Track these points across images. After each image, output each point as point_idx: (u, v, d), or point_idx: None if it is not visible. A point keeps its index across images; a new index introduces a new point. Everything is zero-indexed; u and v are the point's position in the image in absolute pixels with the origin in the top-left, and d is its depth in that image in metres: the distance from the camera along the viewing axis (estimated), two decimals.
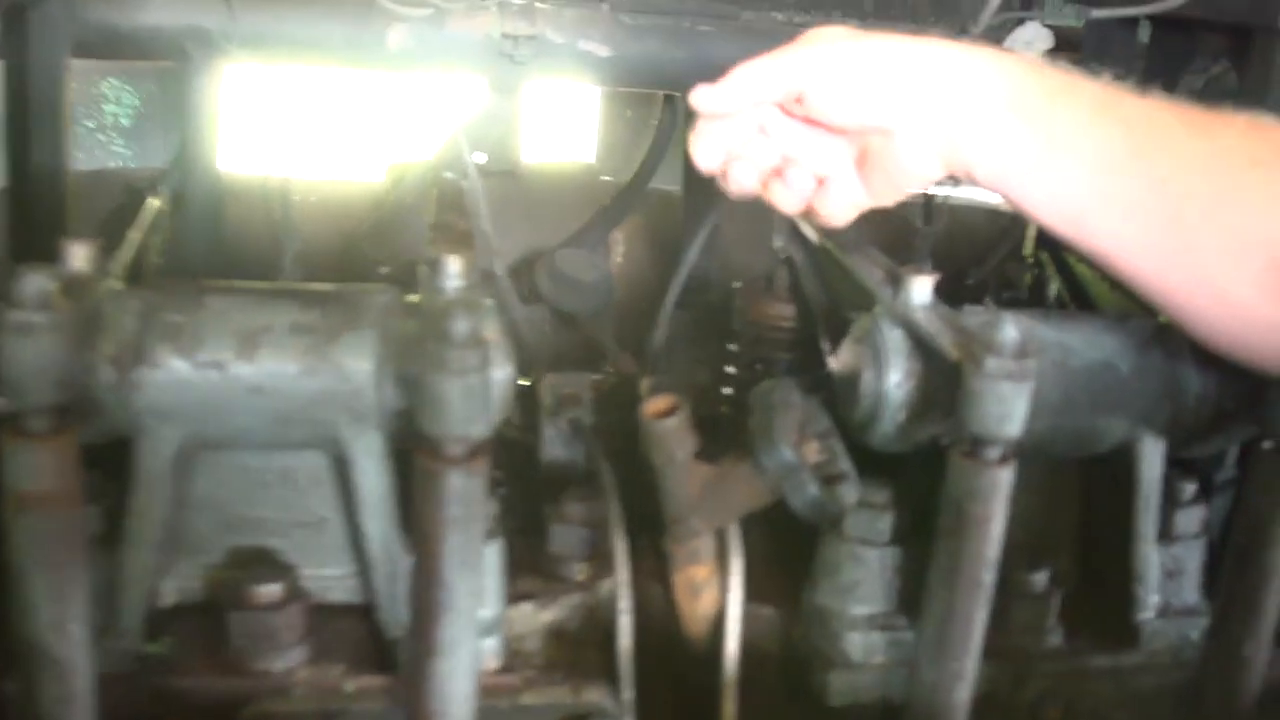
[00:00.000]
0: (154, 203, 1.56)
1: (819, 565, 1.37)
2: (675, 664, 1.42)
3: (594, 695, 1.24)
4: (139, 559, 1.17)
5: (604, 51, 1.73)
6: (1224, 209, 1.12)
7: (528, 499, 1.48)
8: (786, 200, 1.27)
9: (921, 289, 1.28)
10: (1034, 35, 1.77)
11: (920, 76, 1.19)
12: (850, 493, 1.29)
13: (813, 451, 1.28)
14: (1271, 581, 1.26)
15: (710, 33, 1.77)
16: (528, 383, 1.57)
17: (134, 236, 1.40)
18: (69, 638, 1.04)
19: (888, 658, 1.34)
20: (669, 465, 1.32)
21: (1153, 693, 1.39)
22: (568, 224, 1.97)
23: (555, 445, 1.54)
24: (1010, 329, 1.09)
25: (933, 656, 1.18)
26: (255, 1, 1.64)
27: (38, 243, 1.53)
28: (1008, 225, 1.99)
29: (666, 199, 2.06)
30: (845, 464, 1.30)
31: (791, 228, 1.61)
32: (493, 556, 1.23)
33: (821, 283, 1.58)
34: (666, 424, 1.30)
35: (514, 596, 1.30)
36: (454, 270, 1.19)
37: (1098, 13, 1.80)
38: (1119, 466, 1.38)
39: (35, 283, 1.01)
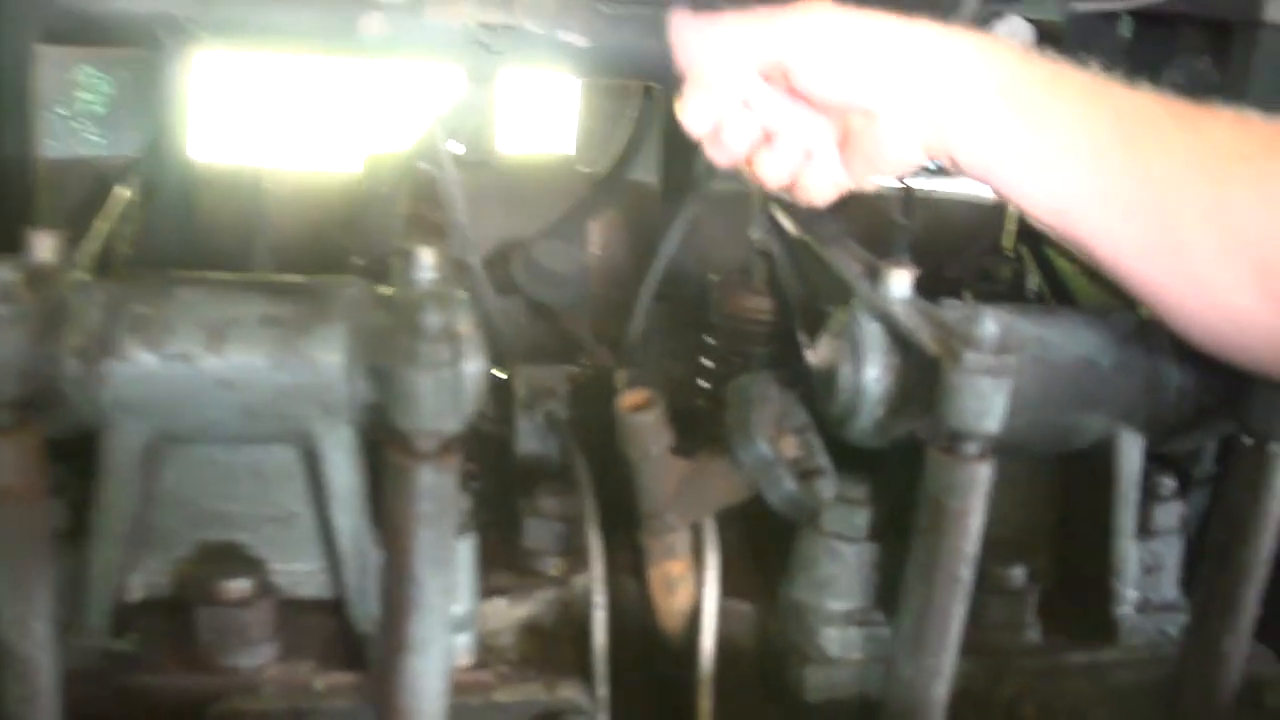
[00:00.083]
0: (123, 192, 1.54)
1: (795, 560, 1.36)
2: (651, 660, 1.42)
3: (568, 692, 1.23)
4: (105, 554, 1.15)
5: (582, 41, 1.71)
6: (1213, 205, 1.11)
7: (502, 492, 1.46)
8: (771, 172, 1.26)
9: (900, 283, 1.26)
10: (1015, 28, 1.76)
11: (906, 58, 1.18)
12: (827, 488, 1.28)
13: (790, 446, 1.27)
14: (1251, 577, 1.26)
15: None
16: (503, 375, 1.55)
17: (101, 227, 1.38)
18: (32, 635, 1.03)
19: (864, 653, 1.33)
20: (644, 460, 1.30)
21: (1131, 689, 1.39)
22: (544, 215, 1.95)
23: (530, 438, 1.52)
24: (989, 324, 1.08)
25: (910, 653, 1.17)
26: None
27: (4, 233, 1.51)
28: (986, 219, 1.98)
29: (643, 191, 2.04)
30: (822, 459, 1.29)
31: (769, 220, 1.60)
32: (466, 551, 1.22)
33: (799, 276, 1.56)
34: (642, 418, 1.29)
35: (487, 591, 1.29)
36: (426, 262, 1.17)
37: (1079, 6, 1.79)
38: (1097, 462, 1.37)
39: None
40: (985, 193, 1.33)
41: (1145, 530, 1.40)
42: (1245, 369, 1.20)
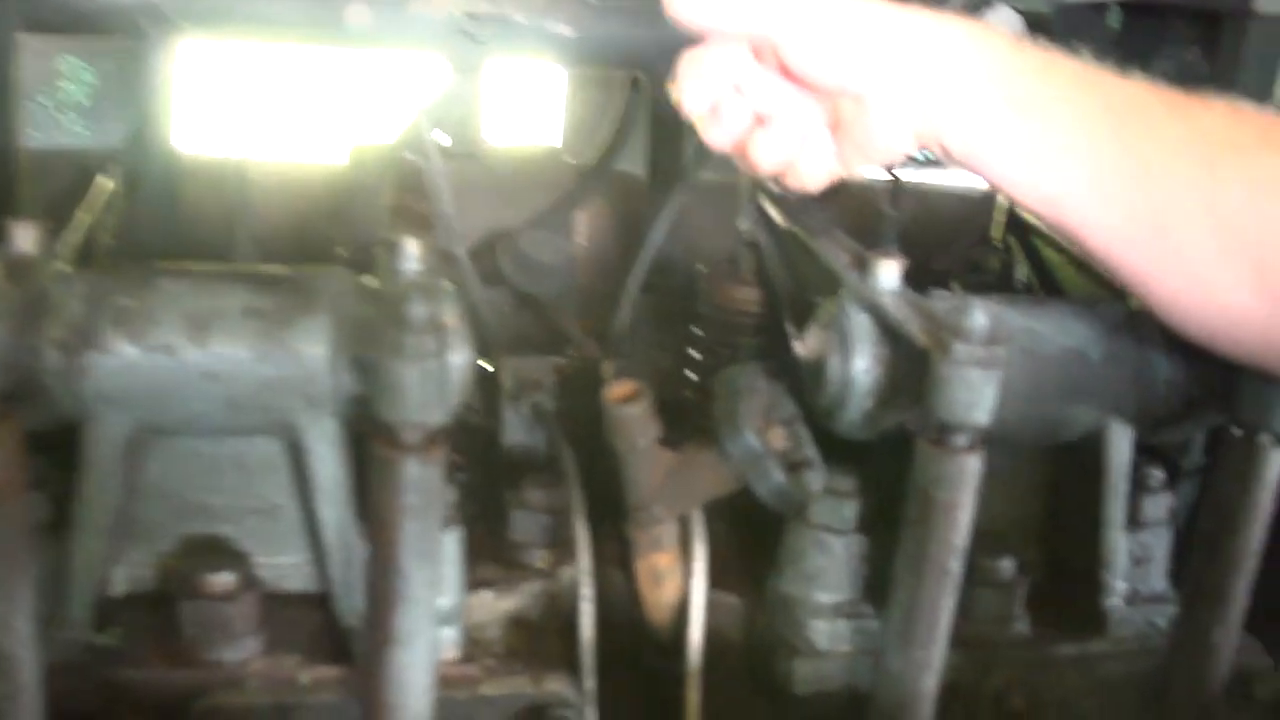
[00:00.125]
0: (106, 183, 1.53)
1: (783, 553, 1.36)
2: (638, 652, 1.41)
3: (555, 685, 1.22)
4: (88, 547, 1.14)
5: (569, 31, 1.70)
6: (1205, 196, 1.11)
7: (488, 484, 1.46)
8: (765, 156, 1.24)
9: (889, 273, 1.26)
10: (1004, 19, 1.76)
11: (898, 44, 1.17)
12: (815, 480, 1.28)
13: (778, 438, 1.26)
14: (1240, 569, 1.26)
15: None
16: (489, 367, 1.55)
17: (84, 218, 1.36)
18: (13, 631, 1.02)
19: (853, 646, 1.32)
20: (631, 452, 1.30)
21: (1119, 680, 1.38)
22: (531, 206, 1.94)
23: (516, 430, 1.52)
24: (979, 315, 1.07)
25: (899, 646, 1.16)
26: None
27: None
28: (974, 210, 1.97)
29: (630, 182, 2.03)
30: (810, 450, 1.28)
31: (757, 211, 1.59)
32: (452, 544, 1.21)
33: (787, 266, 1.55)
34: (629, 410, 1.28)
35: (473, 584, 1.28)
36: (411, 253, 1.16)
37: None
38: (1086, 453, 1.37)
39: None
40: (973, 183, 1.33)
41: (1134, 522, 1.40)
42: (1235, 360, 1.20)
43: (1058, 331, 1.30)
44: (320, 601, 1.22)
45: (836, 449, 1.32)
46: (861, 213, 1.77)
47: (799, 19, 1.17)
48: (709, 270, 1.68)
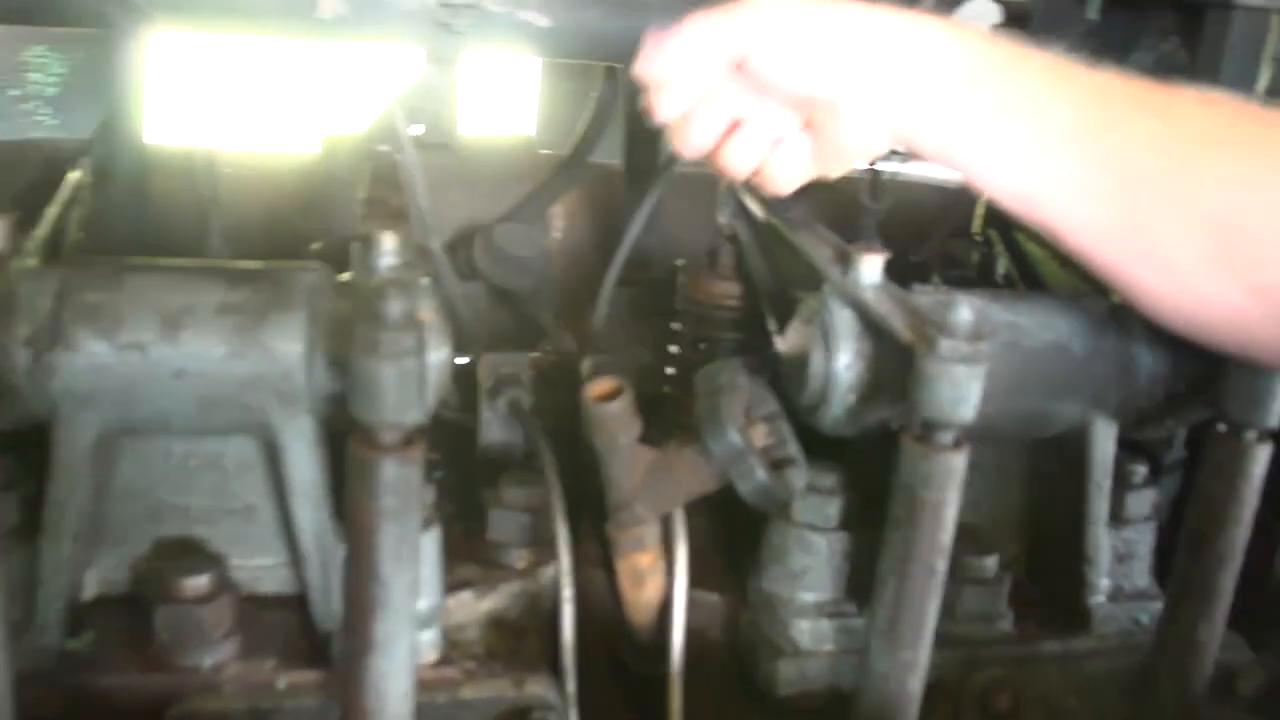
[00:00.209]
0: (74, 175, 1.50)
1: (766, 551, 1.34)
2: (619, 653, 1.39)
3: (537, 688, 1.20)
4: (58, 551, 1.12)
5: (544, 21, 1.68)
6: (1176, 184, 1.10)
7: (464, 482, 1.44)
8: (738, 161, 1.24)
9: (871, 268, 1.25)
10: (982, 9, 1.74)
11: (866, 47, 1.17)
12: (799, 477, 1.26)
13: (760, 435, 1.24)
14: (1226, 565, 1.25)
15: (652, 2, 1.72)
16: (464, 361, 1.53)
17: (52, 211, 1.34)
18: None
19: (837, 645, 1.31)
20: (612, 450, 1.28)
21: (1103, 677, 1.37)
22: (506, 198, 1.92)
23: (494, 427, 1.50)
24: (964, 310, 1.06)
25: (884, 646, 1.15)
26: None
27: None
28: (950, 202, 1.96)
29: (607, 173, 2.01)
30: (793, 448, 1.27)
31: (736, 204, 1.57)
32: (430, 545, 1.19)
33: (767, 260, 1.54)
34: (610, 408, 1.26)
35: (452, 585, 1.26)
36: (388, 248, 1.15)
37: None
38: (1068, 448, 1.36)
39: None
40: (950, 175, 1.31)
41: (1118, 518, 1.40)
42: (1215, 350, 1.19)
43: (1041, 326, 1.30)
44: (297, 603, 1.20)
45: (817, 445, 1.31)
46: (839, 205, 1.75)
47: (765, 31, 1.18)
48: (688, 264, 1.66)
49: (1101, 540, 1.36)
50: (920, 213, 1.99)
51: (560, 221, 2.05)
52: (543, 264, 1.87)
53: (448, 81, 1.80)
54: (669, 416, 1.59)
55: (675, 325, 1.64)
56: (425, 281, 1.18)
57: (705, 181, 1.66)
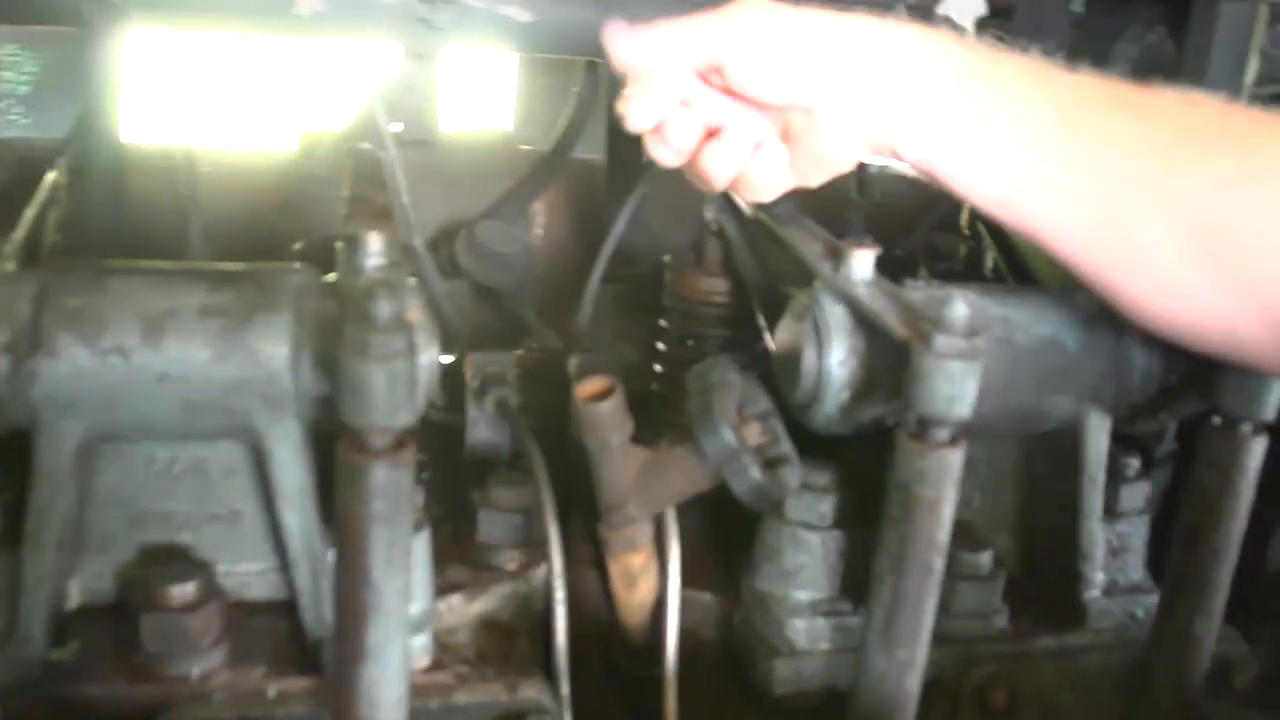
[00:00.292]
0: (51, 176, 1.48)
1: (760, 550, 1.33)
2: (611, 654, 1.38)
3: (530, 692, 1.18)
4: (41, 559, 1.09)
5: (525, 16, 1.66)
6: (1158, 185, 1.10)
7: (451, 483, 1.42)
8: (717, 168, 1.23)
9: (863, 263, 1.24)
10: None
11: (843, 53, 1.17)
12: (792, 475, 1.25)
13: (753, 434, 1.23)
14: (1222, 559, 1.25)
15: None
16: (449, 360, 1.51)
17: (29, 213, 1.31)
18: None
19: (832, 644, 1.30)
20: (604, 450, 1.26)
21: (1098, 672, 1.37)
22: (486, 195, 1.90)
23: (481, 427, 1.48)
24: (960, 306, 1.05)
25: (882, 645, 1.14)
26: None
27: None
28: (933, 196, 1.95)
29: (588, 168, 2.00)
30: (786, 446, 1.26)
31: (723, 199, 1.56)
32: (420, 548, 1.17)
33: (755, 256, 1.52)
34: (601, 407, 1.25)
35: (442, 588, 1.25)
36: (374, 247, 1.13)
37: None
38: (1061, 443, 1.35)
39: None
40: None
41: (1111, 512, 1.39)
42: (1201, 352, 1.18)
43: (1034, 321, 1.29)
44: (285, 609, 1.18)
45: (808, 443, 1.29)
46: (824, 199, 1.74)
47: (741, 38, 1.17)
48: (674, 260, 1.65)
49: (1096, 535, 1.36)
50: (902, 206, 1.98)
51: (542, 218, 2.03)
52: (525, 261, 1.86)
53: (428, 77, 1.78)
54: (657, 414, 1.58)
55: (662, 322, 1.63)
56: (412, 281, 1.16)
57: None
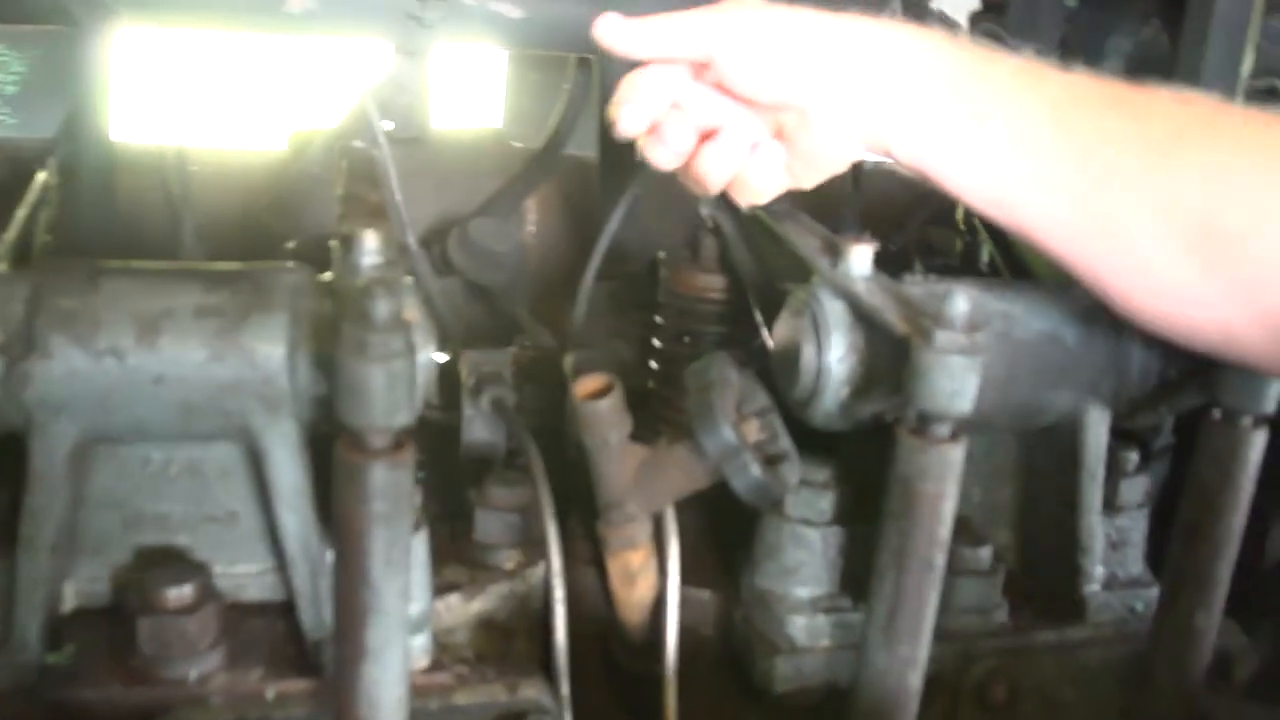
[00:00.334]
0: (41, 176, 1.46)
1: (759, 548, 1.32)
2: (609, 652, 1.37)
3: (531, 692, 1.18)
4: (35, 563, 1.08)
5: (516, 13, 1.66)
6: (1151, 183, 1.10)
7: (447, 482, 1.41)
8: (713, 171, 1.23)
9: (861, 259, 1.23)
10: None
11: (836, 53, 1.17)
12: (792, 472, 1.24)
13: (753, 430, 1.22)
14: (1223, 552, 1.24)
15: None
16: (443, 358, 1.50)
17: (20, 214, 1.30)
18: None
19: (833, 641, 1.29)
20: (603, 448, 1.25)
21: (1099, 666, 1.36)
22: (478, 192, 1.89)
23: (477, 425, 1.47)
24: (961, 301, 1.04)
25: (883, 642, 1.13)
26: None
27: None
28: (926, 191, 1.94)
29: (581, 165, 1.99)
30: (786, 442, 1.25)
31: (719, 194, 1.55)
32: (419, 548, 1.17)
33: (751, 252, 1.52)
34: (600, 406, 1.24)
35: (439, 588, 1.24)
36: (370, 246, 1.12)
37: None
38: (1060, 437, 1.35)
39: None
40: None
41: (1111, 506, 1.39)
42: (1195, 349, 1.18)
43: (1032, 315, 1.28)
44: (282, 610, 1.17)
45: (804, 439, 1.29)
46: (818, 194, 1.73)
47: (733, 37, 1.18)
48: (669, 256, 1.64)
49: (1096, 529, 1.35)
50: (894, 201, 1.98)
51: (534, 215, 2.02)
52: (518, 258, 1.85)
53: (419, 75, 1.77)
54: (654, 411, 1.57)
55: (658, 319, 1.62)
56: (409, 280, 1.15)
57: None
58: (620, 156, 1.83)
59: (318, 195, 1.80)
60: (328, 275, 1.16)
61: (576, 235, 1.96)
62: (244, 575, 1.18)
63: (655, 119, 1.22)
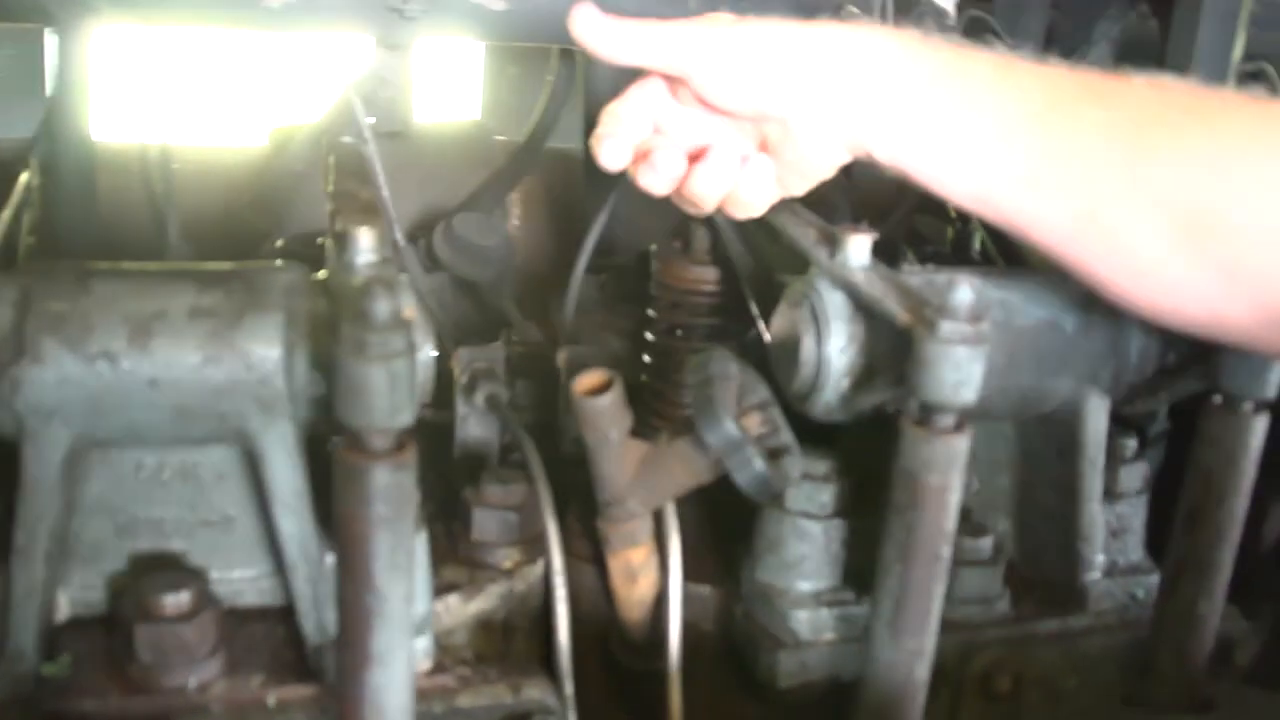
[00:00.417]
0: (24, 177, 1.44)
1: (760, 542, 1.32)
2: (610, 649, 1.36)
3: (534, 692, 1.16)
4: (30, 572, 1.07)
5: (499, 4, 1.64)
6: (1133, 170, 1.09)
7: (441, 481, 1.40)
8: (706, 189, 1.23)
9: (860, 248, 1.22)
10: None
11: (811, 62, 1.17)
12: (794, 465, 1.23)
13: (754, 424, 1.21)
14: (1225, 538, 1.24)
15: None
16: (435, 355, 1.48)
17: (5, 215, 1.28)
18: None
19: (837, 634, 1.29)
20: (603, 445, 1.24)
21: (1101, 654, 1.36)
22: (462, 186, 1.87)
23: (471, 423, 1.46)
24: (965, 290, 1.03)
25: (889, 634, 1.12)
26: None
27: None
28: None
29: (565, 158, 1.97)
30: (787, 435, 1.24)
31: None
32: (419, 549, 1.15)
33: (745, 242, 1.51)
34: (600, 402, 1.22)
35: (438, 588, 1.22)
36: (365, 244, 1.11)
37: None
38: (1058, 425, 1.34)
39: None
40: None
41: (1110, 493, 1.38)
42: (1185, 333, 1.17)
43: (1031, 303, 1.28)
44: (280, 615, 1.16)
45: (802, 431, 1.28)
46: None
47: (707, 50, 1.18)
48: (660, 249, 1.63)
49: (1096, 516, 1.35)
50: (879, 191, 1.96)
51: (519, 209, 2.01)
52: (504, 252, 1.83)
53: (401, 68, 1.75)
54: (646, 405, 1.56)
55: (650, 312, 1.61)
56: (404, 278, 1.14)
57: None
58: None
59: (300, 191, 1.78)
60: (321, 274, 1.14)
61: (562, 228, 1.95)
62: (241, 580, 1.17)
63: (638, 146, 1.22)
